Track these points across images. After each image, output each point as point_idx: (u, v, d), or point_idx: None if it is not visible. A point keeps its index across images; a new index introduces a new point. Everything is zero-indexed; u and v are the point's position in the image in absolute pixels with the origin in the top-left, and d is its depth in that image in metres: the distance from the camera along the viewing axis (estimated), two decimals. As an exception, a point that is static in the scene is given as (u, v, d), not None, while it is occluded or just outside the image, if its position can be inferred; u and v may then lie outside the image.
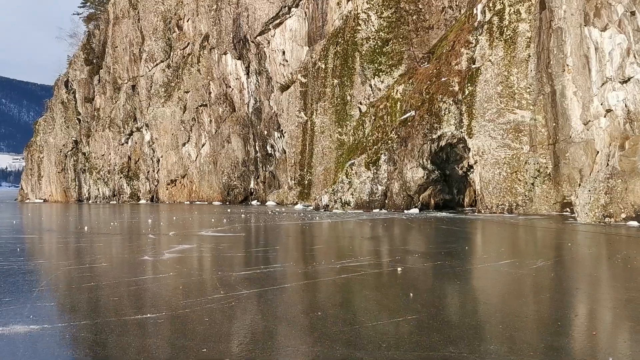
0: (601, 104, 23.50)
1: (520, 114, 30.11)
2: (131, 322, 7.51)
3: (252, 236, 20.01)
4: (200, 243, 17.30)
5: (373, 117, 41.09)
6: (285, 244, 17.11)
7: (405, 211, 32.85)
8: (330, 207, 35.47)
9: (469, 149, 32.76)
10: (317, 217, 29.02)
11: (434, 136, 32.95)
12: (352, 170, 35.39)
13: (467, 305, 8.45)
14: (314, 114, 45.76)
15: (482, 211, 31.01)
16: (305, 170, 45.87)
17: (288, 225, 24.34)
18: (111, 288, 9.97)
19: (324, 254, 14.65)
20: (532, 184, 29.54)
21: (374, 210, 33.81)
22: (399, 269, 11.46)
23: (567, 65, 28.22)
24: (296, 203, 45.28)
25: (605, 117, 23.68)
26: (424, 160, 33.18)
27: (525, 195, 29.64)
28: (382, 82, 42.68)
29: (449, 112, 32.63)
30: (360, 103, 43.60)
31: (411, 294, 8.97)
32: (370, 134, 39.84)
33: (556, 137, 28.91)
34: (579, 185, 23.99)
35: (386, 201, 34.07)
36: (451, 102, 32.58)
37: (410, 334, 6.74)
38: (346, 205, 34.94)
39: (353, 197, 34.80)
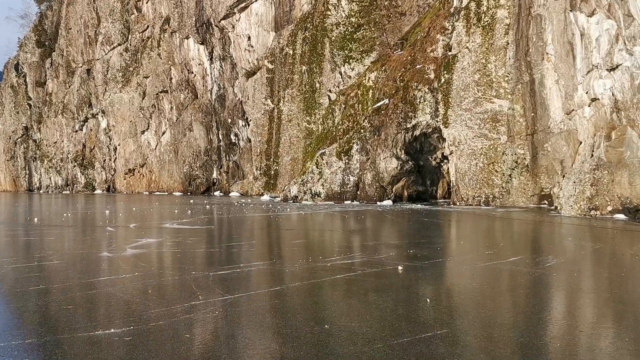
0: (586, 93, 22.69)
1: (498, 103, 29.21)
2: (90, 340, 5.87)
3: (222, 229, 18.33)
4: (165, 237, 15.56)
5: (343, 106, 39.74)
6: (261, 238, 15.54)
7: (378, 203, 31.63)
8: (299, 198, 33.96)
9: (444, 139, 31.75)
10: (288, 209, 27.48)
11: (409, 125, 31.78)
12: (322, 160, 33.94)
13: (503, 311, 7.11)
14: (281, 101, 44.07)
15: (457, 203, 30.05)
16: (271, 160, 44.18)
17: (259, 217, 22.74)
18: (64, 292, 8.24)
19: (307, 249, 13.16)
20: (510, 175, 28.72)
21: (346, 202, 32.48)
22: (400, 267, 10.08)
23: (547, 53, 27.42)
24: (262, 194, 43.60)
25: (589, 106, 22.90)
26: (398, 150, 31.99)
27: (503, 187, 28.80)
28: (353, 69, 41.29)
29: (425, 101, 31.51)
30: (330, 91, 42.13)
31: (428, 300, 7.58)
32: (340, 122, 38.48)
33: (534, 128, 28.13)
34: (562, 176, 23.19)
35: (358, 192, 32.78)
36: (427, 90, 31.46)
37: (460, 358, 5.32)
38: (316, 197, 33.49)
39: (324, 188, 33.38)
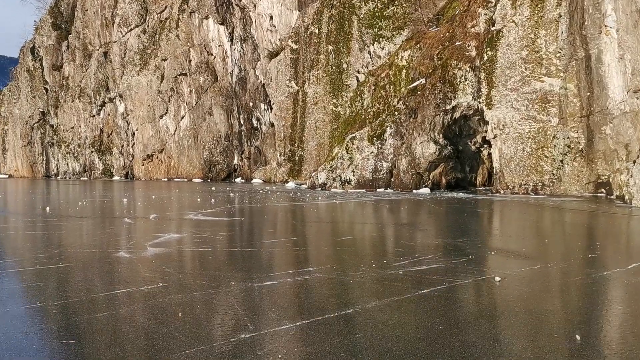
0: (661, 68, 20.08)
1: (549, 82, 26.62)
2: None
3: (253, 221, 16.21)
4: (190, 231, 13.47)
5: (373, 87, 37.33)
6: (301, 234, 13.38)
7: (414, 191, 29.34)
8: (328, 185, 31.78)
9: (486, 122, 29.28)
10: (319, 198, 25.30)
11: (448, 107, 29.33)
12: (353, 144, 31.66)
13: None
14: (306, 83, 41.78)
15: (501, 191, 27.64)
16: (296, 145, 42.00)
17: (290, 207, 20.59)
18: (66, 316, 6.16)
19: (363, 250, 10.98)
20: (562, 161, 26.20)
21: (378, 190, 30.24)
22: (497, 278, 7.85)
23: (606, 26, 24.74)
24: (286, 181, 41.50)
25: (663, 83, 20.28)
26: (436, 134, 29.59)
27: (553, 174, 26.31)
28: (383, 48, 38.85)
29: (465, 80, 29.00)
30: (358, 72, 39.75)
31: (578, 337, 5.34)
32: (370, 105, 36.10)
33: (590, 109, 25.53)
34: (633, 162, 20.60)
35: (392, 179, 30.48)
36: (467, 69, 28.94)
37: None
38: (346, 184, 31.28)
39: (354, 175, 31.14)
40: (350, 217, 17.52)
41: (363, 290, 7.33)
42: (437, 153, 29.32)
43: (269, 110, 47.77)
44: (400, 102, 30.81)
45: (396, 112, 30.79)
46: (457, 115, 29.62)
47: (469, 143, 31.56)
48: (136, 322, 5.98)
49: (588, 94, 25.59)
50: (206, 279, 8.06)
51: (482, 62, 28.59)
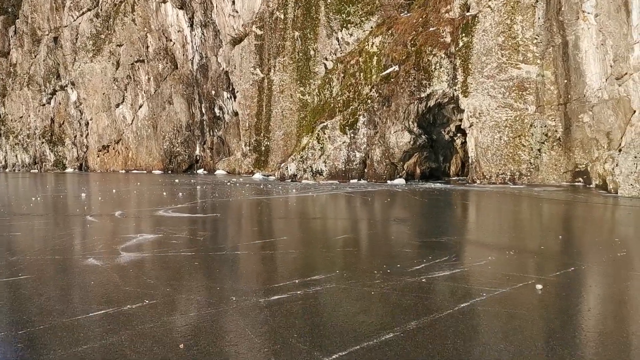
0: (646, 54, 19.64)
1: (526, 69, 26.06)
2: None
3: (233, 218, 14.89)
4: (166, 230, 12.07)
5: (342, 75, 36.24)
6: (291, 232, 12.15)
7: (389, 182, 28.46)
8: (298, 177, 30.57)
9: (460, 110, 28.61)
10: (293, 190, 24.08)
11: (423, 95, 28.48)
12: (324, 134, 30.51)
13: None
14: (272, 70, 40.30)
15: (478, 181, 27.03)
16: (261, 134, 40.55)
17: (266, 201, 19.32)
18: (35, 350, 4.81)
19: (368, 251, 9.88)
20: (539, 150, 25.75)
21: (351, 181, 29.22)
22: (539, 286, 6.86)
23: (583, 11, 24.29)
24: (252, 172, 40.04)
25: (648, 69, 19.87)
26: (410, 123, 28.73)
27: (531, 163, 25.84)
28: (352, 35, 37.71)
29: (441, 67, 28.19)
30: (326, 59, 38.52)
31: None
32: (339, 93, 35.00)
33: (568, 96, 25.10)
34: (619, 150, 20.13)
35: (365, 170, 29.50)
36: (443, 56, 28.13)
37: None
38: (318, 175, 30.14)
39: (326, 166, 30.01)
40: (335, 212, 16.38)
41: (391, 305, 6.21)
42: (411, 142, 28.48)
43: (232, 99, 46.13)
44: (373, 90, 29.81)
45: (369, 100, 29.77)
46: (431, 103, 28.81)
47: (443, 132, 30.87)
48: (127, 359, 4.69)
49: (565, 81, 25.15)
50: (200, 293, 6.78)
51: (457, 49, 27.82)
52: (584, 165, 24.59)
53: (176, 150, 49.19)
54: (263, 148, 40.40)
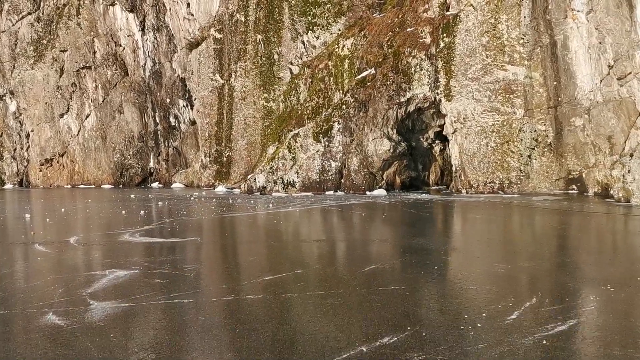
0: (654, 51, 18.33)
1: (512, 70, 24.61)
2: None
3: (217, 243, 12.38)
4: (141, 264, 9.50)
5: (309, 80, 34.14)
6: (302, 262, 9.79)
7: (368, 192, 26.41)
8: (268, 189, 28.12)
9: (442, 115, 26.95)
10: (270, 205, 21.64)
11: (402, 99, 26.64)
12: (295, 142, 28.21)
13: None
14: (233, 76, 37.78)
15: (463, 191, 25.33)
16: (223, 144, 37.87)
17: (246, 219, 16.86)
18: None
19: (423, 294, 7.66)
20: (529, 156, 24.27)
21: (327, 193, 27.02)
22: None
23: (572, 9, 23.04)
24: (213, 185, 37.25)
25: (655, 68, 18.58)
26: (389, 130, 26.83)
27: (521, 171, 24.33)
28: (318, 38, 35.71)
29: (421, 70, 26.44)
30: (291, 63, 36.36)
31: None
32: (307, 99, 32.87)
33: (558, 99, 23.75)
34: (630, 155, 18.67)
35: (342, 181, 27.36)
36: (423, 57, 26.39)
37: None
38: (290, 187, 27.79)
39: (299, 177, 27.71)
40: (337, 232, 14.10)
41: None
42: (391, 150, 26.55)
43: (189, 107, 43.28)
44: (348, 95, 27.76)
45: (344, 106, 27.70)
46: (411, 108, 27.01)
47: (422, 139, 29.13)
48: None
49: (555, 83, 23.80)
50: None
51: (438, 50, 26.13)
52: (577, 172, 23.22)
53: (128, 163, 45.75)
54: (224, 159, 37.72)
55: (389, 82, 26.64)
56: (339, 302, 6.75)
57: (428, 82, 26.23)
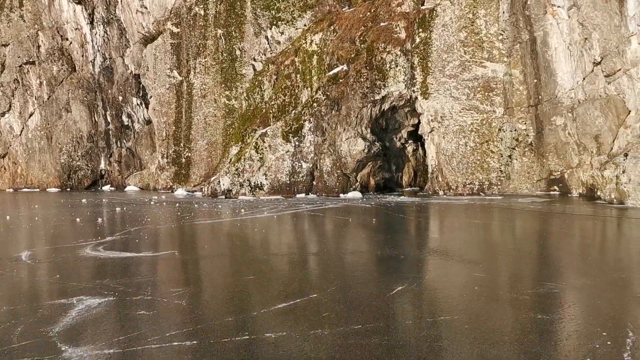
0: (647, 46, 17.66)
1: (491, 67, 23.73)
2: None
3: (199, 257, 10.68)
4: (116, 287, 7.75)
5: (274, 77, 32.54)
6: (311, 283, 8.26)
7: (342, 195, 25.03)
8: (234, 192, 26.35)
9: (417, 114, 25.88)
10: (242, 210, 19.92)
11: (377, 97, 25.40)
12: (263, 142, 26.54)
13: None
14: (192, 72, 35.73)
15: (441, 192, 24.28)
16: (181, 145, 35.75)
17: (223, 227, 15.17)
18: None
19: (471, 325, 6.26)
20: (510, 156, 23.44)
21: (298, 195, 25.49)
22: None
23: (552, 5, 22.32)
24: (171, 187, 35.08)
25: (647, 64, 17.91)
26: (363, 129, 25.54)
27: (501, 171, 23.45)
28: (282, 33, 34.12)
29: (397, 66, 25.26)
30: (254, 59, 34.63)
31: None
32: (273, 97, 31.26)
33: (538, 97, 23.02)
34: (625, 155, 17.85)
35: (314, 183, 25.88)
36: (398, 53, 25.22)
37: None
38: (257, 190, 26.10)
39: (267, 179, 26.05)
40: (337, 243, 12.60)
41: None
42: (366, 150, 25.26)
43: (144, 106, 40.89)
44: (319, 92, 26.29)
45: (315, 104, 26.21)
46: (386, 106, 25.81)
47: (395, 139, 27.98)
48: None
49: (535, 81, 23.05)
50: None
51: (414, 45, 25.02)
52: (559, 173, 22.52)
53: (76, 165, 42.84)
54: (183, 160, 35.61)
55: (362, 79, 25.34)
56: (387, 342, 5.27)
57: (404, 79, 25.07)
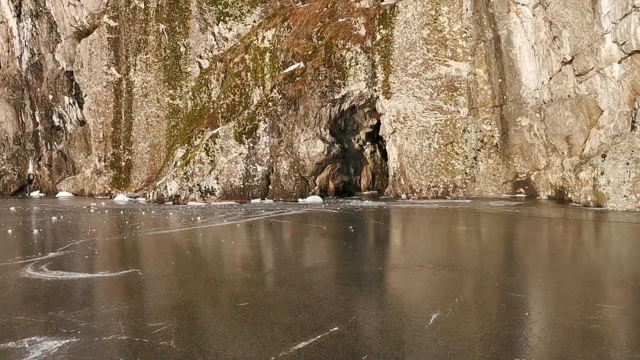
0: (622, 44, 17.21)
1: (455, 66, 22.99)
2: None
3: (168, 277, 8.94)
4: (74, 323, 6.01)
5: (222, 75, 30.75)
6: (321, 309, 6.79)
7: (301, 200, 23.59)
8: (183, 198, 24.41)
9: (377, 114, 24.84)
10: (198, 218, 18.11)
11: (337, 96, 24.14)
12: (214, 144, 24.73)
13: None
14: (132, 70, 33.30)
15: (404, 195, 23.31)
16: (121, 147, 33.22)
17: (183, 238, 13.40)
18: None
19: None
20: (475, 158, 22.73)
21: (253, 201, 23.86)
22: None
23: (516, 3, 21.81)
24: (110, 193, 32.49)
25: (620, 62, 17.50)
26: (322, 130, 24.23)
27: (466, 174, 22.70)
28: (230, 29, 32.38)
29: (357, 64, 24.11)
30: (200, 57, 32.66)
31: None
32: (221, 96, 29.49)
33: (503, 97, 22.45)
34: (602, 156, 17.25)
35: (270, 187, 24.30)
36: (359, 51, 24.08)
37: None
38: (209, 195, 24.27)
39: (219, 183, 24.27)
40: (335, 258, 11.13)
41: None
42: (325, 152, 23.93)
43: (77, 105, 37.93)
44: (275, 91, 24.75)
45: (270, 103, 24.65)
46: (346, 106, 24.60)
47: (353, 140, 26.81)
48: None
49: (500, 80, 22.47)
50: None
51: (374, 43, 23.94)
52: (524, 175, 21.98)
53: (1, 169, 39.26)
54: (123, 163, 33.09)
55: (321, 77, 24.02)
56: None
57: (365, 77, 23.95)
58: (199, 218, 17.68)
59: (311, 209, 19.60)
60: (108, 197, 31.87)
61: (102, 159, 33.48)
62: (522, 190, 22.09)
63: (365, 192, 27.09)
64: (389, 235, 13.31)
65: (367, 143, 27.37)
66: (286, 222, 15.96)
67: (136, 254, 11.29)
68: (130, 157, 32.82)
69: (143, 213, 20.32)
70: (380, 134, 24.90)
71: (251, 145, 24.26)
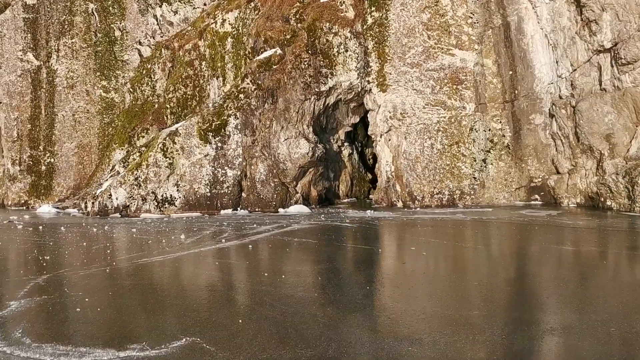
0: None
1: (460, 56, 20.15)
2: None
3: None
4: None
5: (169, 64, 26.29)
6: None
7: (282, 210, 19.73)
8: (133, 209, 19.80)
9: (366, 110, 21.59)
10: (182, 236, 13.84)
11: (323, 88, 20.55)
12: (174, 144, 20.30)
13: None
14: (54, 56, 27.83)
15: (402, 204, 20.13)
16: (41, 148, 27.56)
17: (199, 270, 9.34)
18: None
19: None
20: (484, 160, 19.96)
21: (224, 212, 19.70)
22: None
23: (528, -13, 19.34)
24: (26, 203, 26.77)
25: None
26: (305, 127, 20.55)
27: (475, 178, 19.86)
28: (176, 12, 27.97)
29: (347, 51, 20.68)
30: (140, 43, 27.88)
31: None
32: (170, 89, 25.06)
33: (515, 92, 19.89)
34: (621, 159, 14.84)
35: (244, 195, 20.23)
36: (348, 36, 20.68)
37: None
38: (167, 205, 19.83)
39: (179, 191, 19.90)
40: (413, 299, 7.55)
41: None
42: (310, 154, 20.24)
43: (-19, 98, 31.54)
44: (248, 80, 20.73)
45: (242, 95, 20.59)
46: (332, 100, 21.09)
47: (332, 140, 23.33)
48: None
49: (510, 72, 19.90)
50: None
51: (366, 27, 20.63)
52: (540, 179, 19.48)
53: None
54: (43, 167, 27.43)
55: (304, 66, 20.34)
56: None
57: (356, 66, 20.54)
58: (182, 236, 13.43)
59: (311, 223, 15.87)
60: (25, 208, 26.23)
61: (17, 162, 27.57)
62: (537, 196, 19.56)
63: (344, 200, 23.61)
64: (466, 260, 9.95)
65: (346, 144, 23.99)
66: (295, 239, 12.16)
67: (156, 303, 7.14)
68: (52, 159, 27.26)
69: (94, 229, 15.64)
70: (369, 132, 21.56)
71: (219, 145, 20.10)
